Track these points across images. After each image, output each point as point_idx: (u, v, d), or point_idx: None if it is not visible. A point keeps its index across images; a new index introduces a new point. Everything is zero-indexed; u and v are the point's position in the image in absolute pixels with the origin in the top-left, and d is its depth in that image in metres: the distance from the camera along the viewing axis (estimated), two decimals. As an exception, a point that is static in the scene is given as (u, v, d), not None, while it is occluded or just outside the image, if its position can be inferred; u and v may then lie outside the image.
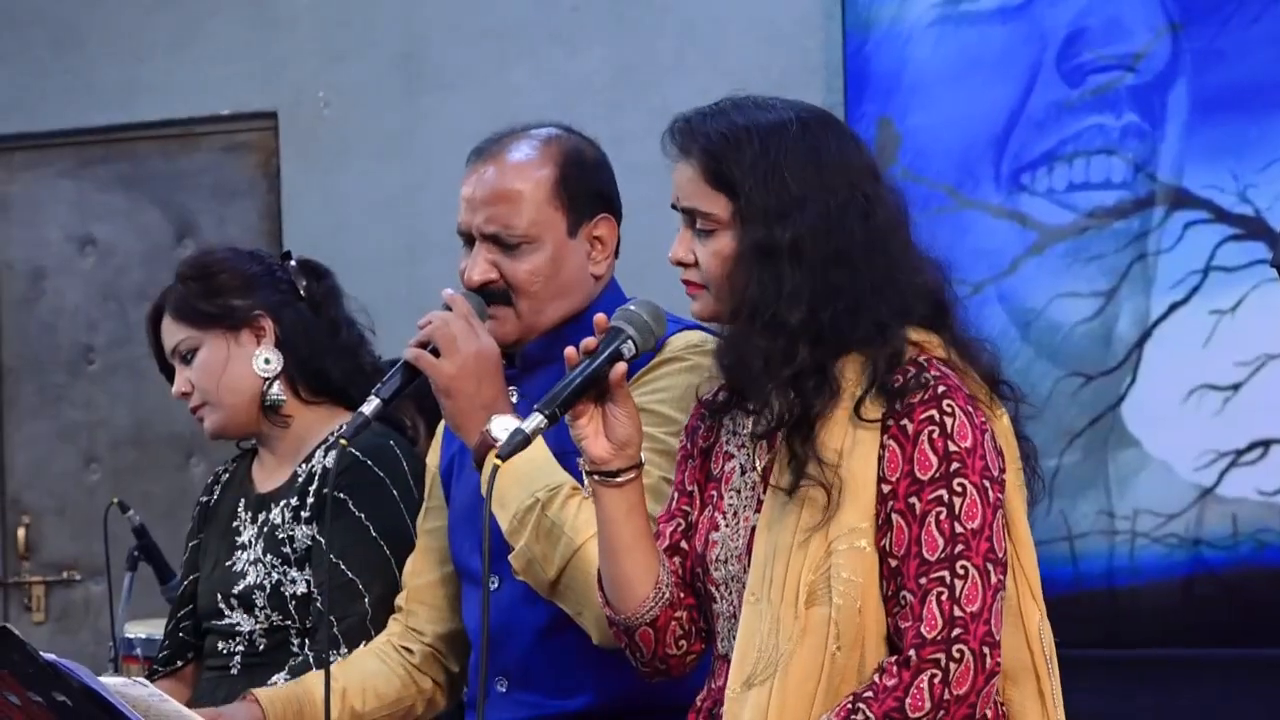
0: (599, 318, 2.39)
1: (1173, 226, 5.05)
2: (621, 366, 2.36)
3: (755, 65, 5.48)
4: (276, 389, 3.23)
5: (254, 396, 3.23)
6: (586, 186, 2.76)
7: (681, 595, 2.45)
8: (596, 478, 2.40)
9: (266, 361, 3.24)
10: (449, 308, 2.71)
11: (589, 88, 5.64)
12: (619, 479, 2.39)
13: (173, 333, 3.26)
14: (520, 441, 2.31)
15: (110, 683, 2.42)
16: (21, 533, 6.22)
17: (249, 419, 3.24)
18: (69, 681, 2.29)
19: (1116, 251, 5.09)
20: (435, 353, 2.70)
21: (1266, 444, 4.92)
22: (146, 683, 2.54)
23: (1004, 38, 5.22)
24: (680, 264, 2.41)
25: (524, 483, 2.63)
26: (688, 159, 2.37)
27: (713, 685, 2.42)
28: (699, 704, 2.44)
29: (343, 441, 2.73)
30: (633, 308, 2.41)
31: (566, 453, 2.56)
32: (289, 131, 5.96)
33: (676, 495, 2.50)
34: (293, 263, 3.33)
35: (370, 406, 2.71)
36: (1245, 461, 4.94)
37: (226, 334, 3.23)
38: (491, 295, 2.74)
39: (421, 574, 2.97)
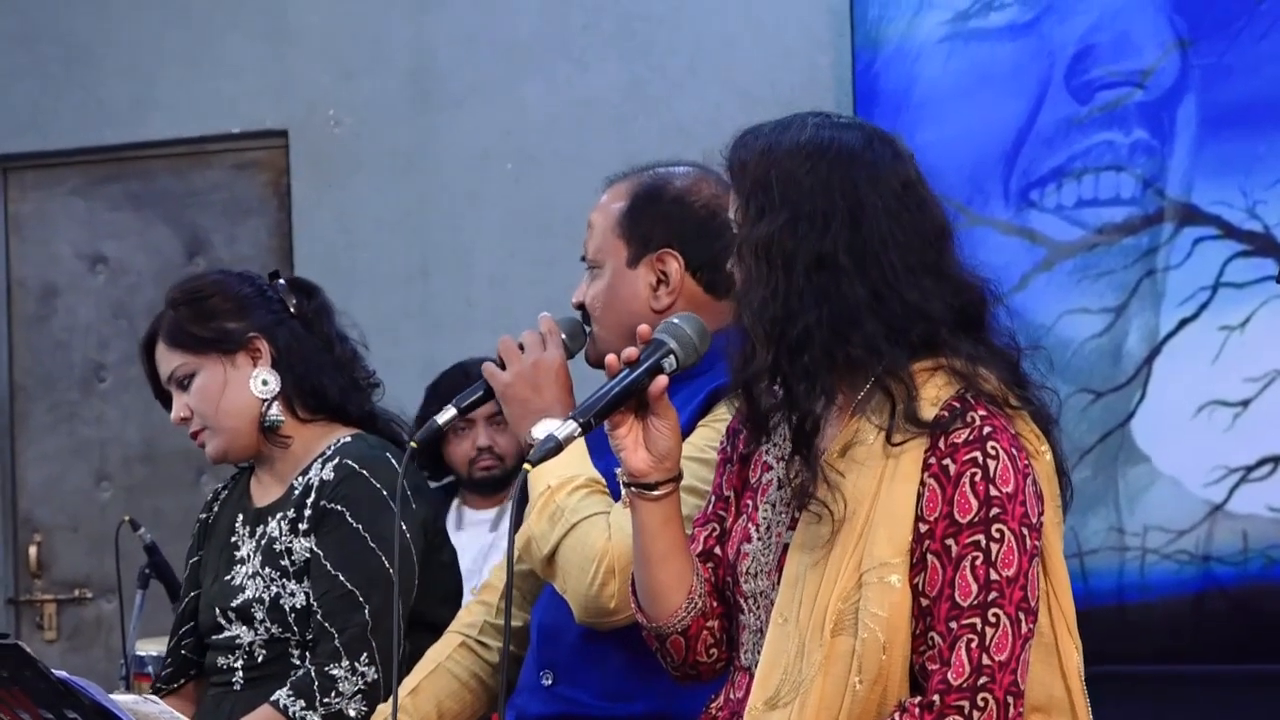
0: (643, 329, 2.40)
1: (1182, 243, 5.04)
2: (662, 380, 2.36)
3: (765, 82, 5.51)
4: (275, 410, 3.24)
5: (253, 419, 3.24)
6: (653, 220, 2.84)
7: (714, 604, 2.45)
8: (634, 489, 2.40)
9: (264, 383, 3.25)
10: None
11: (600, 104, 5.65)
12: (657, 491, 2.39)
13: (168, 360, 3.27)
14: (552, 448, 2.31)
15: (122, 700, 2.43)
16: (33, 551, 6.22)
17: (250, 441, 3.25)
18: (80, 699, 2.30)
19: (1126, 268, 5.09)
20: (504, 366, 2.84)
21: (1276, 460, 4.92)
22: (157, 700, 2.55)
23: (1013, 54, 5.23)
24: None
25: (545, 473, 2.72)
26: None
27: (731, 695, 2.42)
28: (714, 712, 2.44)
29: (413, 444, 2.79)
30: (677, 321, 2.42)
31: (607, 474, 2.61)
32: (300, 149, 5.97)
33: (713, 499, 2.50)
34: (281, 281, 3.34)
35: (446, 415, 2.79)
36: (1255, 477, 4.94)
37: (222, 358, 3.24)
38: (586, 316, 2.87)
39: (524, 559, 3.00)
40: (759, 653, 2.34)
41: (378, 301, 5.61)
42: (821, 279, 2.29)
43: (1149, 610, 5.02)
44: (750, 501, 2.43)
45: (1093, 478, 5.06)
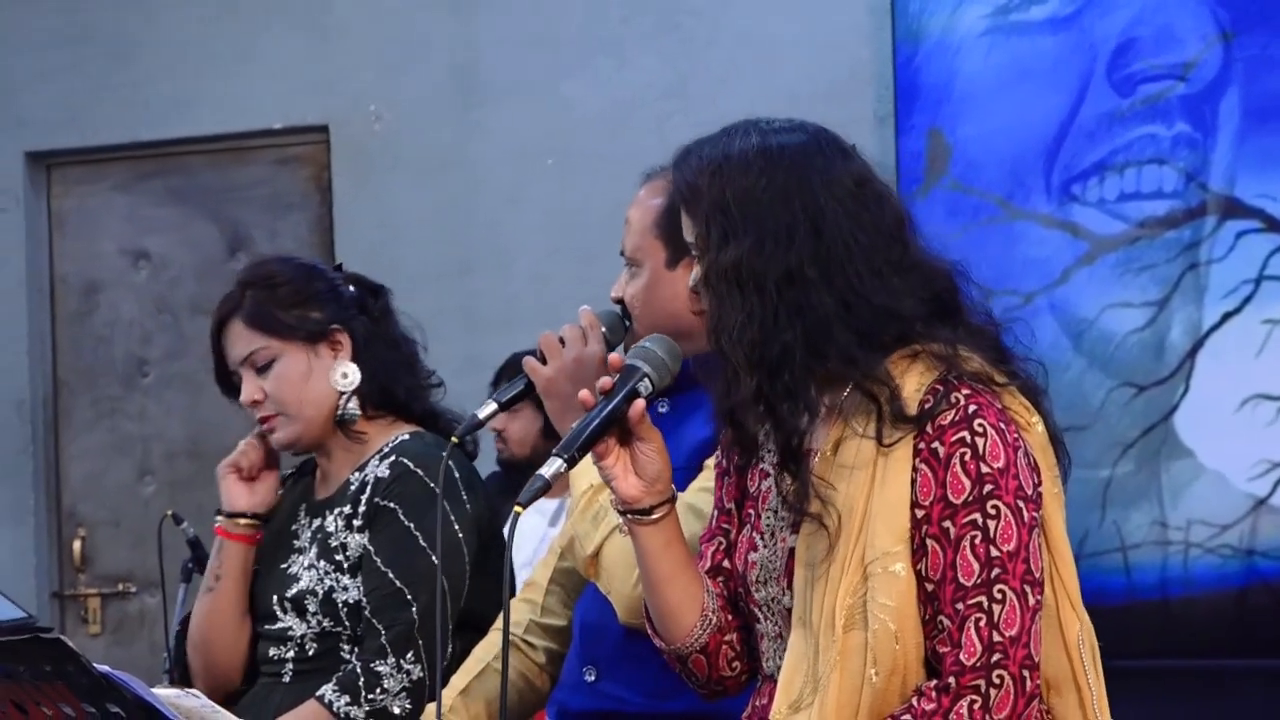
0: (614, 357, 2.41)
1: (1224, 236, 5.03)
2: (640, 404, 2.36)
3: (806, 76, 5.50)
4: (353, 404, 3.23)
5: (330, 410, 3.23)
6: None
7: (729, 618, 2.44)
8: (630, 516, 2.39)
9: (344, 375, 3.24)
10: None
11: (641, 101, 5.66)
12: (653, 515, 2.39)
13: (246, 340, 3.23)
14: (540, 488, 2.31)
15: (163, 694, 2.43)
16: (77, 545, 6.25)
17: (322, 433, 3.25)
18: (122, 693, 2.30)
19: (1168, 261, 5.07)
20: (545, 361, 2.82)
21: (1320, 454, 4.91)
22: (199, 694, 2.54)
23: (1055, 48, 5.21)
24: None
25: (587, 472, 2.72)
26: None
27: (757, 703, 2.41)
28: (744, 718, 2.43)
29: (454, 439, 2.80)
30: (648, 344, 2.42)
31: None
32: (341, 145, 5.99)
33: (716, 513, 2.49)
34: (345, 277, 3.34)
35: (486, 410, 2.75)
36: (1299, 471, 4.92)
37: (306, 346, 3.22)
38: (625, 310, 2.85)
39: (568, 557, 3.00)
40: (780, 658, 2.34)
41: (418, 298, 5.52)
42: (792, 295, 2.28)
43: (1192, 605, 5.00)
44: (752, 510, 2.42)
45: (1136, 472, 5.05)
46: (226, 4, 6.06)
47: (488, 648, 3.02)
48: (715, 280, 2.30)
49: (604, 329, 2.85)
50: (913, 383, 2.29)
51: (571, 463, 2.34)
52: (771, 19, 5.63)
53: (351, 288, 3.31)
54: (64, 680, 2.33)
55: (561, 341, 2.83)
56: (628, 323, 2.85)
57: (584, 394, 2.38)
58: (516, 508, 2.31)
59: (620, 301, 2.86)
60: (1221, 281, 5.02)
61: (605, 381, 2.37)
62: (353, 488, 3.20)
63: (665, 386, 2.42)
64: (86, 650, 2.40)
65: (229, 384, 3.30)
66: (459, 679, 3.00)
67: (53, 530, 6.26)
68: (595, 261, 5.48)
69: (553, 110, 5.78)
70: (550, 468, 2.31)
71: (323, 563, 3.19)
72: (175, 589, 4.10)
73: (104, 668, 2.32)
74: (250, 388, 3.23)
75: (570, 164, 5.73)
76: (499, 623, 3.05)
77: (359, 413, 3.24)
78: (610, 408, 2.35)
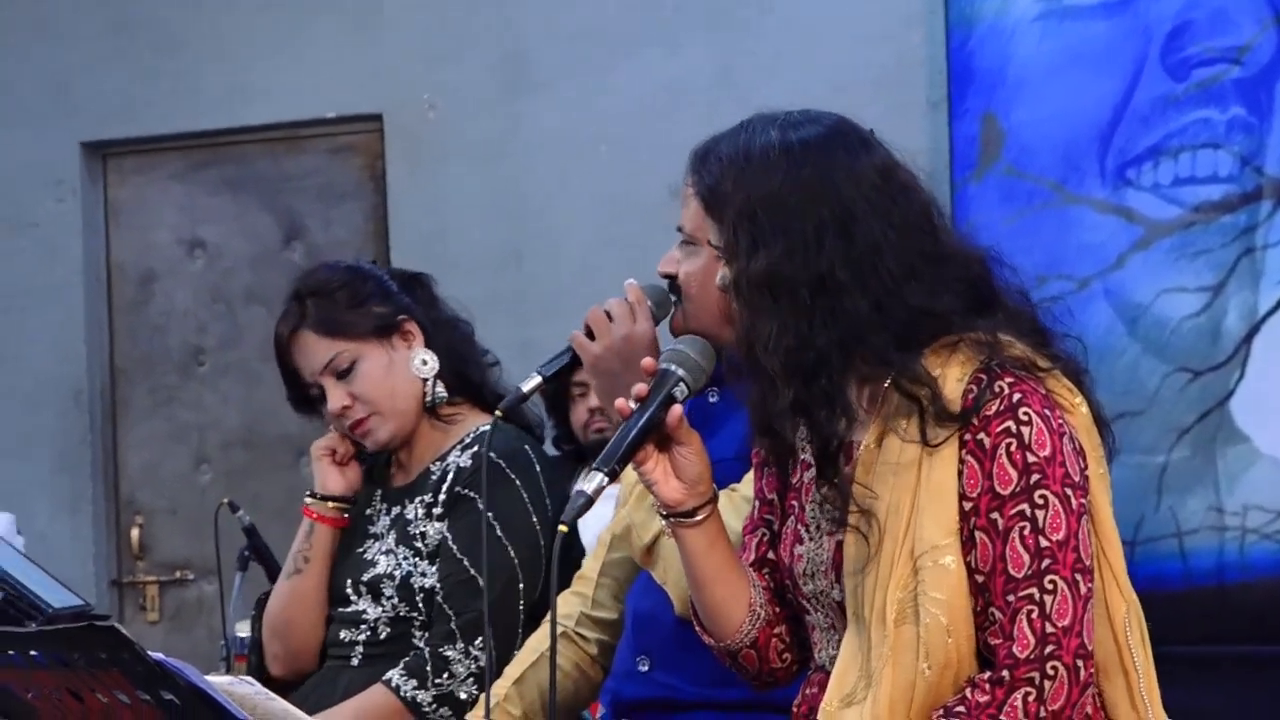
0: (646, 362, 2.38)
1: (1280, 220, 5.01)
2: (677, 409, 2.33)
3: (857, 63, 5.50)
4: (440, 388, 3.24)
5: (419, 399, 3.24)
6: None
7: (777, 610, 2.44)
8: (672, 519, 2.38)
9: (424, 362, 3.24)
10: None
11: (690, 87, 5.66)
12: (696, 516, 2.37)
13: (322, 349, 3.22)
14: (583, 504, 2.29)
15: (217, 681, 2.44)
16: (135, 533, 6.30)
17: (414, 423, 3.25)
18: (176, 680, 2.31)
19: (1223, 246, 5.05)
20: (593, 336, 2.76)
21: (1378, 439, 4.88)
22: (253, 681, 2.56)
23: (1108, 32, 5.19)
24: (665, 276, 2.50)
25: None
26: (693, 193, 2.39)
27: (808, 692, 2.41)
28: (795, 709, 2.43)
29: (498, 413, 2.79)
30: (681, 347, 2.40)
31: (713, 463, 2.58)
32: (394, 133, 6.01)
33: (758, 505, 2.48)
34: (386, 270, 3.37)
35: (530, 383, 2.73)
36: (1356, 456, 4.90)
37: (381, 342, 3.23)
38: (673, 285, 2.75)
39: (619, 548, 2.99)
40: (832, 649, 2.35)
41: (471, 285, 5.61)
42: (825, 301, 2.26)
43: (1249, 590, 4.98)
44: (795, 502, 2.41)
45: (1191, 457, 5.03)
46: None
47: (540, 638, 3.03)
48: (746, 289, 2.29)
49: (651, 304, 2.79)
50: (954, 373, 2.27)
51: (613, 475, 2.32)
52: (822, 4, 5.63)
53: (395, 280, 3.32)
54: (119, 668, 2.34)
55: (609, 317, 2.78)
56: (675, 298, 2.77)
57: (620, 403, 2.36)
58: (562, 527, 2.28)
59: (670, 277, 2.78)
60: (1277, 266, 4.99)
61: (640, 389, 2.35)
62: (434, 477, 3.22)
63: (702, 386, 2.39)
64: (144, 638, 2.43)
65: (304, 401, 3.28)
66: (513, 668, 3.01)
67: (111, 518, 6.31)
68: (646, 248, 5.42)
69: (602, 98, 5.79)
70: (592, 482, 2.29)
71: (401, 549, 3.21)
72: (231, 577, 4.12)
73: (158, 655, 2.33)
74: (337, 395, 3.22)
75: (620, 151, 5.74)
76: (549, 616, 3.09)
77: (445, 395, 3.24)
78: (649, 416, 2.33)
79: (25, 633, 2.51)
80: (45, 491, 6.18)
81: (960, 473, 2.24)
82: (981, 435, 2.23)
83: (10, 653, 2.42)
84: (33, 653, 2.41)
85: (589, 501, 2.29)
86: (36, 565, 3.70)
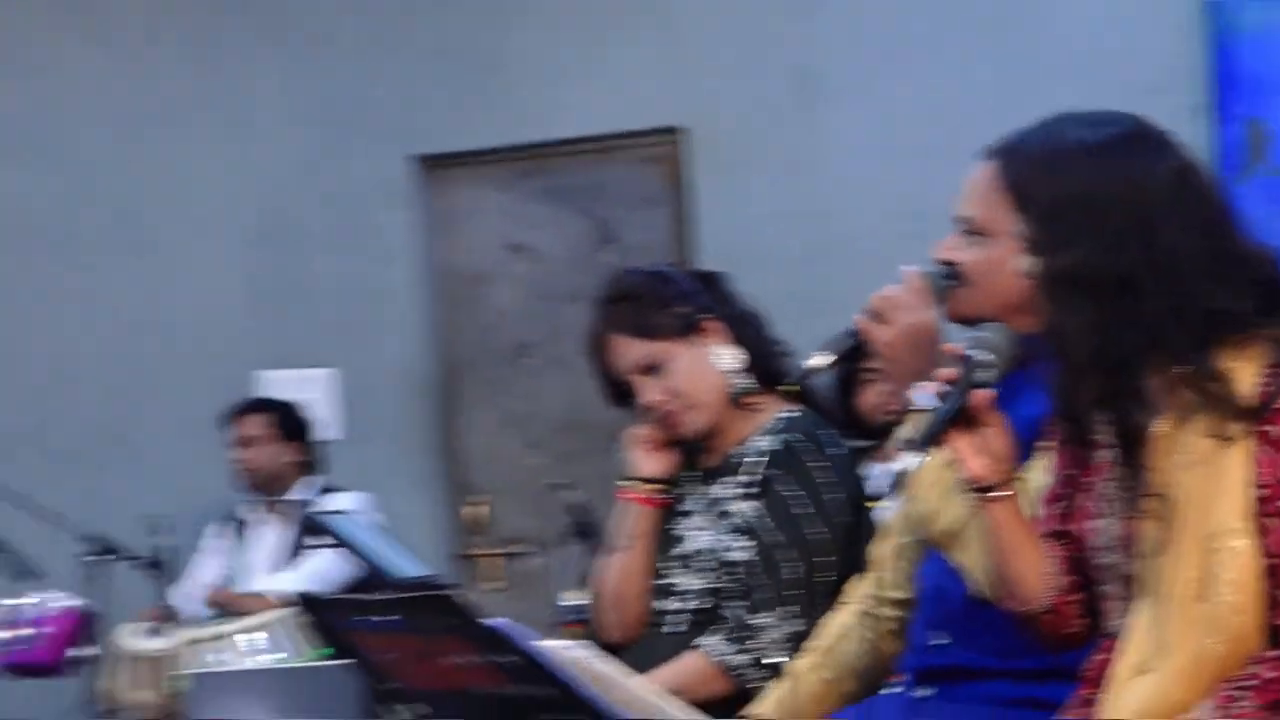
0: (950, 347, 2.43)
1: None
2: (988, 393, 2.38)
3: (1127, 69, 5.61)
4: (743, 378, 3.39)
5: (725, 391, 3.38)
6: None
7: (1072, 579, 2.45)
8: (977, 494, 2.42)
9: (725, 355, 3.39)
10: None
11: (974, 98, 5.79)
12: (1000, 491, 2.41)
13: (634, 350, 3.38)
14: (899, 482, 2.48)
15: (553, 645, 2.48)
16: (476, 510, 6.60)
17: (722, 413, 3.39)
18: (512, 643, 2.33)
19: None
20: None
21: None
22: (587, 645, 2.63)
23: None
24: (945, 263, 2.49)
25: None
26: (996, 185, 2.39)
27: (1097, 657, 2.43)
28: (1085, 672, 2.45)
29: (790, 386, 3.05)
30: (989, 334, 2.44)
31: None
32: (696, 144, 6.25)
33: (1056, 480, 2.49)
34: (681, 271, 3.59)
35: (819, 359, 2.76)
36: None
37: (685, 339, 3.38)
38: (950, 272, 2.62)
39: (909, 532, 3.02)
40: (1122, 617, 2.37)
41: (771, 286, 5.89)
42: (1127, 301, 2.27)
43: None
44: (1091, 479, 2.42)
45: None
46: (580, 23, 6.36)
47: (843, 615, 3.13)
48: (1051, 283, 2.32)
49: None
50: (1249, 370, 2.28)
51: (926, 453, 2.42)
52: (1092, 14, 5.78)
53: (689, 279, 3.47)
54: (459, 633, 2.38)
55: (895, 305, 2.76)
56: (952, 284, 2.63)
57: (929, 387, 2.40)
58: (880, 503, 2.45)
59: (949, 264, 2.64)
60: None
61: (949, 372, 2.39)
62: (741, 459, 3.36)
63: (1006, 371, 2.43)
64: (486, 606, 2.48)
65: (618, 394, 3.46)
66: (821, 640, 3.13)
67: (452, 497, 6.64)
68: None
69: (891, 109, 5.98)
70: (909, 462, 2.47)
71: (713, 525, 3.36)
72: (564, 550, 4.30)
73: (493, 620, 2.36)
74: (651, 391, 3.38)
75: (908, 161, 5.89)
76: (847, 596, 3.16)
77: (750, 385, 3.39)
78: (958, 399, 2.38)
79: (379, 600, 2.56)
80: (395, 474, 6.52)
81: (1254, 462, 2.25)
82: (1275, 427, 2.25)
83: (370, 618, 2.52)
84: (387, 618, 2.49)
85: (904, 479, 2.50)
86: (392, 539, 4.03)
